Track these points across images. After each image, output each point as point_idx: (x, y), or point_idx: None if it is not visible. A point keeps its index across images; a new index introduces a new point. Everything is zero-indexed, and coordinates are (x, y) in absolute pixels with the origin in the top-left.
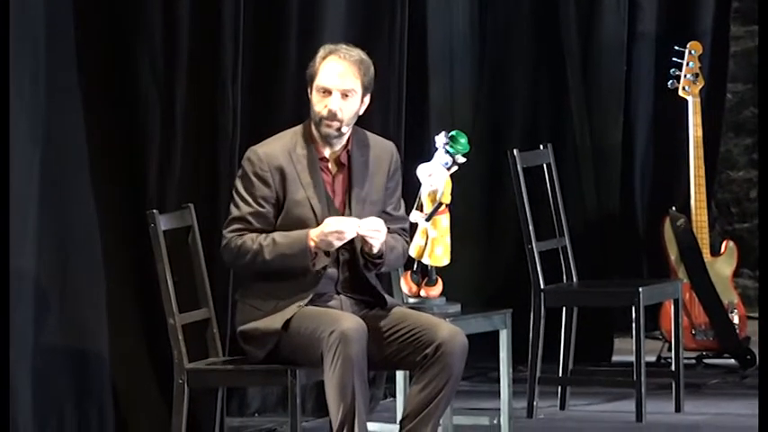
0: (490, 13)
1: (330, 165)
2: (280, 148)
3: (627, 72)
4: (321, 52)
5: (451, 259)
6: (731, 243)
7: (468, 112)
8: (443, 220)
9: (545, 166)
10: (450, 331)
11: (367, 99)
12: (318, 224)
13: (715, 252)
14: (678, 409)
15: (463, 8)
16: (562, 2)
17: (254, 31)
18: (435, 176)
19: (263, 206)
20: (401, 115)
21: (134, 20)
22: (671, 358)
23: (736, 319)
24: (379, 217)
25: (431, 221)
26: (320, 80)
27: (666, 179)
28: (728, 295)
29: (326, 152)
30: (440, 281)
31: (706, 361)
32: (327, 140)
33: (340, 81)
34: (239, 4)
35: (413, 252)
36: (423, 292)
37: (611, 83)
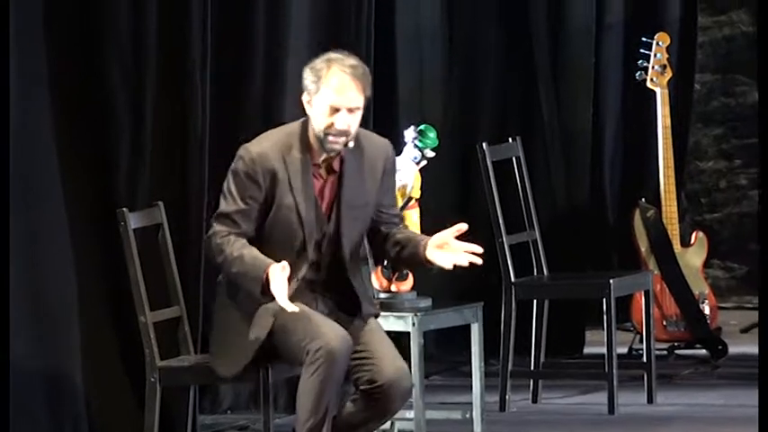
0: (458, 4)
1: (322, 170)
2: (274, 150)
3: (595, 63)
4: (323, 65)
5: None
6: (701, 234)
7: (437, 106)
8: (413, 214)
9: (514, 159)
10: (395, 374)
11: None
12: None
13: (685, 243)
14: (650, 400)
15: (430, 1)
16: None
17: (221, 26)
18: (405, 171)
19: (249, 204)
20: (369, 109)
21: (102, 17)
22: (642, 350)
23: (707, 310)
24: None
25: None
26: (327, 97)
27: (636, 170)
28: (699, 286)
29: (321, 159)
30: (410, 275)
31: (678, 352)
32: (327, 152)
33: (347, 99)
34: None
35: None
36: (393, 287)
37: (580, 74)
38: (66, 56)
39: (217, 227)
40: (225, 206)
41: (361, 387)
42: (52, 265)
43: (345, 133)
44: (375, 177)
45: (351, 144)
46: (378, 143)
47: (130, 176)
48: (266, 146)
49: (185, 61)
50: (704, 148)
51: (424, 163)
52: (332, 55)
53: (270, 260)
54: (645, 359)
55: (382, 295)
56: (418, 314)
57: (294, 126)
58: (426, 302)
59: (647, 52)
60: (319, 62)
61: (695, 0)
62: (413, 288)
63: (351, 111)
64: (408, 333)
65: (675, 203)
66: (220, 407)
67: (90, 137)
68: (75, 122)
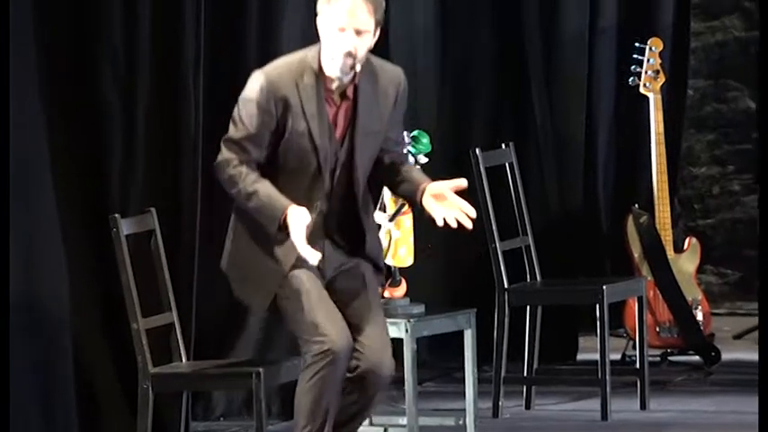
0: (452, 10)
1: (335, 96)
2: (286, 77)
3: (588, 68)
4: None
5: (415, 259)
6: (694, 239)
7: (430, 111)
8: (406, 220)
9: (507, 165)
10: (375, 360)
11: (378, 32)
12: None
13: (678, 249)
14: (643, 406)
15: (425, 6)
16: None
17: (215, 29)
18: None
19: (259, 130)
20: None
21: (95, 23)
22: (635, 356)
23: (700, 316)
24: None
25: (394, 222)
26: (335, 17)
27: (629, 176)
28: (692, 292)
29: (333, 85)
30: (404, 281)
31: (671, 358)
32: (337, 75)
33: (355, 20)
34: (200, 5)
35: None
36: (387, 293)
37: (573, 79)
38: (59, 60)
39: (226, 153)
40: (234, 132)
41: (347, 375)
42: (45, 271)
43: (351, 55)
44: (387, 104)
45: (358, 67)
46: (390, 70)
47: (123, 182)
48: (278, 73)
49: (178, 65)
50: (697, 154)
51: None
52: None
53: (287, 201)
54: (638, 365)
55: None
56: (411, 320)
57: (307, 52)
58: (419, 308)
59: (640, 57)
60: None
61: (688, 5)
62: (406, 294)
63: (358, 33)
64: (401, 339)
65: (668, 209)
66: (213, 413)
67: (83, 142)
68: (68, 127)
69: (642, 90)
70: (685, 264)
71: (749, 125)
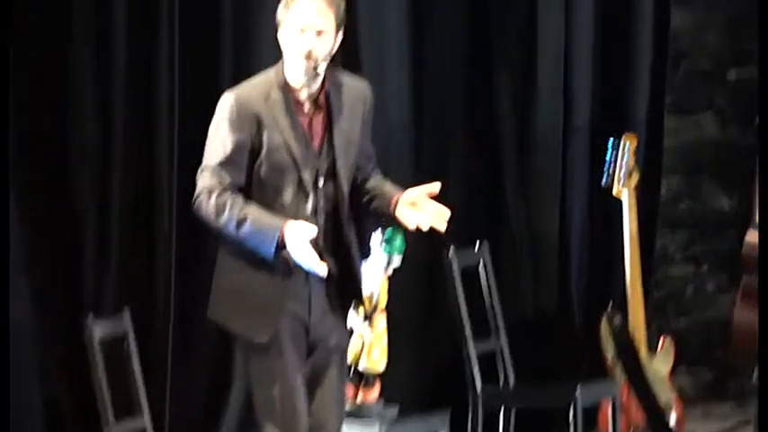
0: (426, 108)
1: (307, 107)
2: (254, 95)
3: (562, 166)
4: None
5: (389, 360)
6: (668, 340)
7: None
8: (380, 321)
9: (481, 265)
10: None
11: (340, 35)
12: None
13: (652, 349)
14: None
15: (398, 100)
16: (497, 96)
17: (188, 131)
18: (371, 278)
19: (235, 151)
20: None
21: (66, 113)
22: None
23: (673, 418)
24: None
25: (368, 323)
26: (293, 20)
27: (603, 276)
28: (666, 393)
29: (303, 95)
30: (377, 383)
31: None
32: (302, 82)
33: (312, 20)
34: (174, 60)
35: (349, 357)
36: (360, 396)
37: (548, 178)
38: (30, 148)
39: (206, 182)
40: (209, 159)
41: None
42: (15, 365)
43: (312, 57)
44: (357, 116)
45: (320, 69)
46: (357, 83)
47: (96, 281)
48: (245, 93)
49: (152, 163)
50: (671, 254)
51: (391, 270)
52: None
53: (281, 219)
54: None
55: (347, 407)
56: (385, 424)
57: (269, 70)
58: (393, 411)
59: (613, 155)
60: None
61: (662, 103)
62: (380, 395)
63: (318, 33)
64: None
65: (642, 310)
66: None
67: (57, 241)
68: (41, 223)
69: (615, 191)
70: (659, 365)
71: (724, 223)
